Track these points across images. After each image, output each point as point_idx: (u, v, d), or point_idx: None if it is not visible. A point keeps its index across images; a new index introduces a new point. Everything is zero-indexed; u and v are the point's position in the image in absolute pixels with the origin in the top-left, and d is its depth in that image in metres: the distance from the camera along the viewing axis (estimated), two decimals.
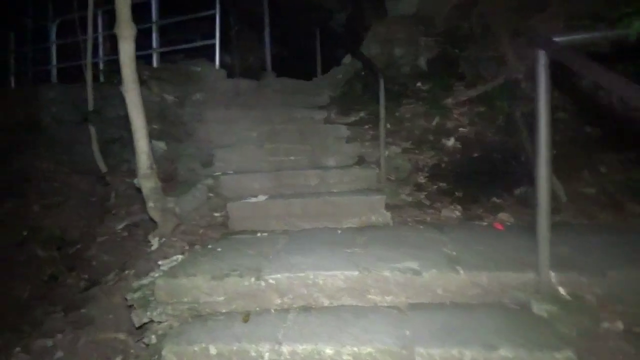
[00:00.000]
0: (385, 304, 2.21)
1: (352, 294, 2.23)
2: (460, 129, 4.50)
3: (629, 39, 2.22)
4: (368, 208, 3.57)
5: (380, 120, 4.12)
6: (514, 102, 4.31)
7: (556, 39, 2.01)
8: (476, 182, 4.05)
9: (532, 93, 4.60)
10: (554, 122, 4.30)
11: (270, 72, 7.27)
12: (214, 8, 5.88)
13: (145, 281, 2.49)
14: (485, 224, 3.52)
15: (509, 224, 3.48)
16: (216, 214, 3.70)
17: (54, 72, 7.33)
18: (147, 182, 3.42)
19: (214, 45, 6.04)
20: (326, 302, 2.22)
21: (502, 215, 3.61)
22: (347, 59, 6.86)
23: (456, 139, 4.43)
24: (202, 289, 2.25)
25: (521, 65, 4.58)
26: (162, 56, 6.46)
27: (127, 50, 3.26)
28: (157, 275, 2.49)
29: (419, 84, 5.41)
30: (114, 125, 5.52)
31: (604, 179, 3.73)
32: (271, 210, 3.59)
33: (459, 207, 3.87)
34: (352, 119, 5.38)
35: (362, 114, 5.44)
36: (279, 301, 2.24)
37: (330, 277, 2.20)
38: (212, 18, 6.09)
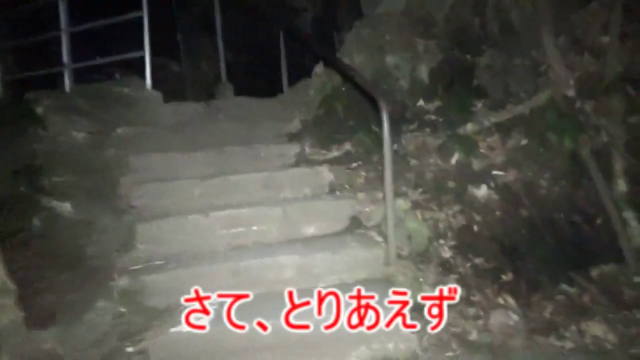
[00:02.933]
0: None
1: None
2: (495, 172, 3.16)
3: None
4: (382, 329, 2.20)
5: (385, 168, 2.72)
6: (573, 133, 3.00)
7: None
8: (531, 257, 2.73)
9: (597, 119, 3.33)
10: None
11: (226, 83, 5.83)
12: (141, 9, 4.31)
13: None
14: (571, 346, 2.20)
15: (610, 347, 2.17)
16: (129, 349, 2.24)
17: None
18: None
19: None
20: None
21: (592, 327, 2.30)
22: (319, 67, 5.47)
23: (490, 188, 3.09)
24: None
25: (570, 76, 3.29)
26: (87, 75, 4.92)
27: None
28: None
29: (420, 102, 4.06)
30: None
31: None
32: (226, 342, 2.17)
33: (511, 301, 2.55)
34: (335, 153, 3.97)
35: (347, 146, 4.01)
36: None
37: None
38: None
